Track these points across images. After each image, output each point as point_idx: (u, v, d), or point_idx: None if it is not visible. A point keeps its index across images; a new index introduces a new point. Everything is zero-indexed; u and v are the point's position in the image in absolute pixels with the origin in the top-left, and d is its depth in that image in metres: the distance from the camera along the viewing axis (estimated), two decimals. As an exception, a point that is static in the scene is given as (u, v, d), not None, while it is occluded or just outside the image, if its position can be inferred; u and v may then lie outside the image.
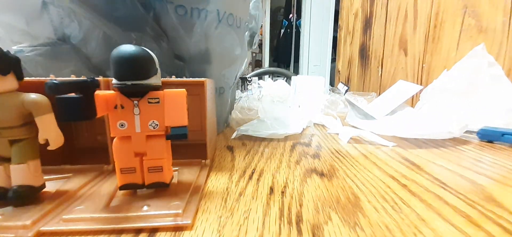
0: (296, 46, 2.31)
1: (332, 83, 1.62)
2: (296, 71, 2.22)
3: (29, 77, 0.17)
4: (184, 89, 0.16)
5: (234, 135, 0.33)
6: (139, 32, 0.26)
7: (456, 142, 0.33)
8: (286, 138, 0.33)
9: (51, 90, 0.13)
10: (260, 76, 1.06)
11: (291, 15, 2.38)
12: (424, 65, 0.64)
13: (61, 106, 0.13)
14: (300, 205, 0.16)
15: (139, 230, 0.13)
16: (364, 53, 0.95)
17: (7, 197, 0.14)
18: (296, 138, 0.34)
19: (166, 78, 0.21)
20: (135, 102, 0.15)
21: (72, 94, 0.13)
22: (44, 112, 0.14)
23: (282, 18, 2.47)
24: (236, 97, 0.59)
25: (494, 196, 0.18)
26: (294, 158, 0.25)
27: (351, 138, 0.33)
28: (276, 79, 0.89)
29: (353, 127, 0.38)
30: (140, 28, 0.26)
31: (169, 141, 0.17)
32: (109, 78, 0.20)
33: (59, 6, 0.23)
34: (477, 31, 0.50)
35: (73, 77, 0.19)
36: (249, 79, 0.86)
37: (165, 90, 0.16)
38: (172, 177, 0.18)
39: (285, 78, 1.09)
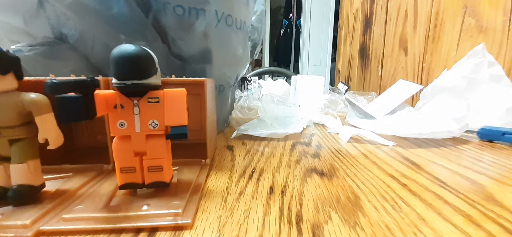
0: (296, 45, 2.31)
1: (332, 82, 1.62)
2: (296, 71, 2.22)
3: (28, 76, 0.17)
4: (184, 89, 0.16)
5: (234, 135, 0.33)
6: (136, 33, 0.26)
7: (456, 141, 0.33)
8: (286, 138, 0.33)
9: (50, 90, 0.13)
10: (260, 75, 1.06)
11: (291, 15, 2.37)
12: (424, 64, 0.64)
13: (60, 106, 0.13)
14: (300, 205, 0.16)
15: (139, 230, 0.13)
16: (364, 52, 0.95)
17: (7, 197, 0.14)
18: (296, 138, 0.34)
19: (166, 78, 0.21)
20: (135, 101, 0.15)
21: (72, 94, 0.13)
22: (44, 112, 0.14)
23: (282, 17, 2.47)
24: (236, 97, 0.59)
25: (494, 195, 0.18)
26: (294, 158, 0.25)
27: (351, 137, 0.33)
28: (276, 79, 0.89)
29: (353, 126, 0.38)
30: (136, 28, 0.26)
31: (169, 140, 0.17)
32: (109, 77, 0.20)
33: (54, 4, 0.23)
34: (477, 31, 0.50)
35: (72, 77, 0.19)
36: (249, 78, 0.86)
37: (165, 89, 0.16)
38: (172, 177, 0.18)
39: (285, 77, 1.09)
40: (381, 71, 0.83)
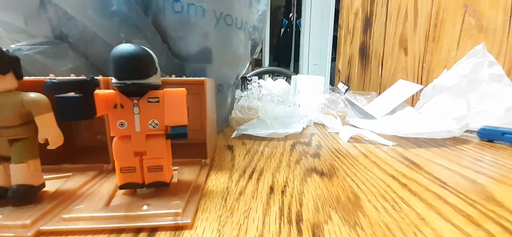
0: (296, 45, 2.31)
1: (332, 82, 1.62)
2: (296, 71, 2.22)
3: (28, 76, 0.17)
4: (184, 89, 0.16)
5: (234, 134, 0.33)
6: (136, 32, 0.26)
7: (456, 141, 0.33)
8: (286, 137, 0.33)
9: (50, 89, 0.13)
10: (260, 75, 1.06)
11: (291, 14, 2.37)
12: (424, 64, 0.64)
13: (60, 106, 0.13)
14: (300, 205, 0.16)
15: (139, 230, 0.13)
16: (364, 52, 0.95)
17: (7, 196, 0.14)
18: (296, 137, 0.34)
19: (166, 78, 0.21)
20: (135, 101, 0.15)
21: (72, 94, 0.13)
22: (44, 111, 0.14)
23: (282, 17, 2.47)
24: (236, 97, 0.59)
25: (494, 195, 0.18)
26: (294, 157, 0.25)
27: (351, 137, 0.33)
28: (276, 79, 0.89)
29: (353, 126, 0.38)
30: (136, 27, 0.26)
31: (169, 140, 0.17)
32: (109, 77, 0.20)
33: (56, 4, 0.23)
34: (477, 30, 0.50)
35: (72, 77, 0.19)
36: (249, 78, 0.86)
37: (165, 89, 0.16)
38: (172, 176, 0.18)
39: (285, 77, 1.08)
40: (381, 71, 0.83)
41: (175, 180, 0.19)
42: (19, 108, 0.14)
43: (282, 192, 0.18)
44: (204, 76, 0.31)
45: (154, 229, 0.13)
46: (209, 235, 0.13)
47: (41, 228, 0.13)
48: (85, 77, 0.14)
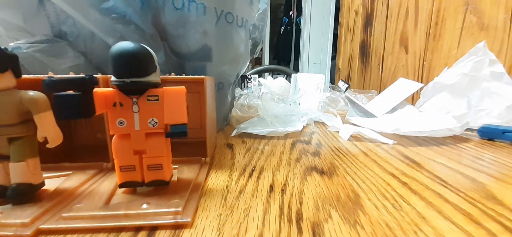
0: (296, 43, 2.30)
1: (332, 81, 1.61)
2: (296, 69, 2.22)
3: (27, 74, 0.17)
4: (183, 87, 0.16)
5: (234, 133, 0.33)
6: (132, 26, 0.26)
7: (457, 139, 0.33)
8: (286, 136, 0.33)
9: (49, 87, 0.12)
10: (260, 73, 1.06)
11: (291, 12, 2.36)
12: (424, 62, 0.64)
13: (59, 104, 0.13)
14: (300, 203, 0.16)
15: (139, 228, 0.13)
16: (364, 50, 0.95)
17: (6, 195, 0.14)
18: (296, 136, 0.34)
19: (166, 76, 0.21)
20: (134, 100, 0.15)
21: (70, 92, 0.13)
22: (43, 110, 0.14)
23: (282, 15, 2.46)
24: (236, 95, 0.59)
25: (494, 194, 0.18)
26: (294, 156, 0.25)
27: (351, 136, 0.33)
28: (276, 77, 0.89)
29: (353, 124, 0.38)
30: (135, 25, 0.25)
31: (169, 139, 0.17)
32: (108, 75, 0.19)
33: (54, 2, 0.23)
34: (478, 28, 0.50)
35: (71, 75, 0.19)
36: (249, 77, 0.86)
37: (164, 87, 0.15)
38: (172, 175, 0.18)
39: (285, 75, 1.08)
40: (382, 69, 0.83)
41: (175, 178, 0.19)
42: (17, 106, 0.14)
43: (282, 190, 0.18)
44: (204, 75, 0.31)
45: (154, 228, 0.13)
46: (209, 233, 0.13)
47: (41, 226, 0.13)
48: (84, 76, 0.14)
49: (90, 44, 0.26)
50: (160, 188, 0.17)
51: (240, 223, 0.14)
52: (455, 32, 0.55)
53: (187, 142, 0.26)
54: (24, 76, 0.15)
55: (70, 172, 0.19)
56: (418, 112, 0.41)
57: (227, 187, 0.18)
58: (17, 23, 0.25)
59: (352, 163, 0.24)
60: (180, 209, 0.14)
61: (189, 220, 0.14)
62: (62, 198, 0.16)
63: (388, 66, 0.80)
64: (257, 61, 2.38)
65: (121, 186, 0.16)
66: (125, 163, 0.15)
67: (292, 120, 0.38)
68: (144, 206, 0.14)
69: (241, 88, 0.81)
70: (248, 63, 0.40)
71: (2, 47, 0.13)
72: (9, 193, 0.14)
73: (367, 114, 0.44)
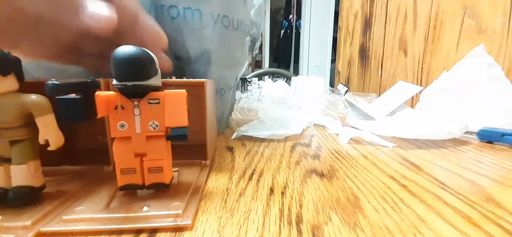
0: (296, 47, 2.31)
1: (332, 84, 1.62)
2: (296, 72, 2.23)
3: (30, 78, 0.18)
4: (184, 90, 0.16)
5: (234, 136, 0.33)
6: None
7: (456, 142, 0.33)
8: (286, 139, 0.33)
9: (51, 91, 0.13)
10: (260, 77, 1.07)
11: (291, 16, 2.38)
12: (423, 66, 0.64)
13: (61, 107, 0.13)
14: (300, 206, 0.16)
15: (139, 231, 0.13)
16: (364, 54, 0.95)
17: (7, 198, 0.14)
18: (296, 139, 0.34)
19: (167, 79, 0.21)
20: (136, 103, 0.15)
21: (72, 95, 0.13)
22: (45, 113, 0.14)
23: (282, 18, 2.47)
24: (236, 98, 0.59)
25: (494, 196, 0.18)
26: (294, 159, 0.25)
27: (351, 139, 0.33)
28: (276, 80, 0.89)
29: (353, 127, 0.38)
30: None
31: (169, 141, 0.17)
32: (109, 79, 0.20)
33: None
34: (476, 31, 0.50)
35: (73, 79, 0.19)
36: (249, 80, 0.86)
37: (165, 91, 0.16)
38: (173, 178, 0.18)
39: (285, 79, 1.09)
40: (381, 72, 0.83)
41: (175, 181, 0.19)
42: (20, 109, 0.14)
43: (282, 193, 0.18)
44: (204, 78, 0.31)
45: (154, 231, 0.13)
46: (209, 236, 0.13)
47: (42, 229, 0.13)
48: (86, 79, 0.14)
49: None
50: (160, 191, 0.17)
51: (240, 226, 0.14)
52: (454, 35, 0.55)
53: (187, 145, 0.26)
54: (27, 79, 0.15)
55: (71, 175, 0.19)
56: (417, 115, 0.41)
57: (227, 189, 0.18)
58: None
59: (352, 166, 0.24)
60: (180, 211, 0.14)
61: (189, 222, 0.14)
62: (63, 200, 0.16)
63: (387, 70, 0.80)
64: (257, 64, 2.39)
65: (121, 188, 0.16)
66: (125, 165, 0.15)
67: (292, 122, 0.38)
68: (145, 208, 0.14)
69: (241, 91, 0.81)
70: (247, 65, 0.40)
71: (5, 51, 0.14)
72: (10, 195, 0.14)
73: (367, 117, 0.44)
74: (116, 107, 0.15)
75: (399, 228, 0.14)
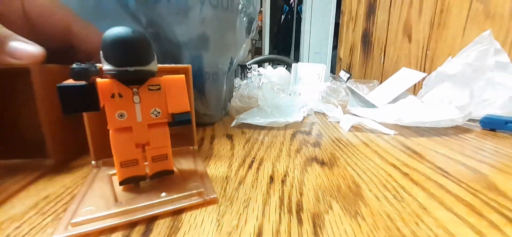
0: (297, 32, 2.27)
1: (333, 71, 1.60)
2: (296, 59, 2.19)
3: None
4: (182, 75, 0.15)
5: (233, 123, 0.33)
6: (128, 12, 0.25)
7: (458, 130, 0.32)
8: (286, 126, 0.33)
9: (78, 76, 0.12)
10: (260, 63, 1.05)
11: (292, 1, 2.31)
12: (428, 52, 0.62)
13: (67, 96, 0.12)
14: (301, 194, 0.16)
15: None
16: (367, 39, 0.93)
17: None
18: (297, 126, 0.33)
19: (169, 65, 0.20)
20: (135, 90, 0.14)
21: (72, 82, 0.12)
22: None
23: (283, 3, 2.40)
24: (235, 85, 0.58)
25: (497, 184, 0.17)
26: (294, 147, 0.25)
27: (352, 126, 0.32)
28: (276, 67, 0.88)
29: (354, 115, 0.38)
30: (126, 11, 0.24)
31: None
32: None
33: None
34: (484, 16, 0.49)
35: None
36: (249, 66, 0.85)
37: (163, 76, 0.15)
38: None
39: (285, 65, 1.07)
40: (384, 59, 0.82)
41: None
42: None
43: (282, 181, 0.18)
44: (201, 64, 0.30)
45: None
46: (208, 224, 0.13)
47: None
48: (91, 64, 0.13)
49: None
50: (165, 180, 0.16)
51: (240, 214, 0.14)
52: (460, 20, 0.53)
53: (173, 132, 0.25)
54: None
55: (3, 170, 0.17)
56: (420, 103, 0.40)
57: (226, 178, 0.18)
58: None
59: (353, 154, 0.23)
60: (202, 189, 0.15)
61: (215, 196, 0.15)
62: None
63: (390, 56, 0.78)
64: (257, 51, 2.35)
65: (122, 183, 0.15)
66: (126, 157, 0.14)
67: (292, 110, 0.38)
68: (163, 194, 0.15)
69: (241, 78, 0.80)
70: (245, 49, 0.39)
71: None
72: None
73: (368, 104, 0.43)
74: (113, 96, 0.14)
75: (400, 216, 0.14)
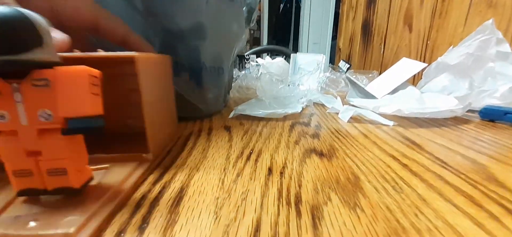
0: (295, 22, 2.23)
1: (332, 61, 1.58)
2: (295, 50, 2.17)
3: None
4: (84, 66, 0.12)
5: (231, 115, 0.32)
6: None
7: (458, 121, 0.32)
8: (285, 118, 0.33)
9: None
10: (258, 54, 1.03)
11: (291, -11, 2.26)
12: (428, 42, 0.62)
13: None
14: (299, 186, 0.16)
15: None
16: (367, 29, 0.92)
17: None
18: (295, 118, 0.33)
19: (75, 54, 0.16)
20: (14, 85, 0.11)
21: None
22: None
23: (282, -8, 2.35)
24: (234, 76, 0.57)
25: (496, 175, 0.17)
26: (293, 138, 0.25)
27: (351, 117, 0.32)
28: (275, 57, 0.87)
29: (353, 105, 0.37)
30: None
31: (79, 134, 0.13)
32: None
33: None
34: (486, 5, 0.48)
35: None
36: (247, 57, 0.84)
37: (57, 68, 0.11)
38: (89, 179, 0.14)
39: (284, 56, 1.05)
40: (383, 49, 0.81)
41: (97, 181, 0.15)
42: None
43: (281, 173, 0.18)
44: (198, 55, 0.30)
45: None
46: (206, 217, 0.13)
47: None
48: None
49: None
50: (69, 198, 0.13)
51: (238, 207, 0.14)
52: (463, 9, 0.52)
53: (127, 134, 0.21)
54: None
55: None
56: (419, 93, 0.40)
57: (224, 169, 0.18)
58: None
59: (352, 145, 0.23)
60: (71, 230, 0.11)
61: None
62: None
63: (390, 46, 0.78)
64: (255, 41, 2.31)
65: (19, 194, 0.12)
66: (17, 166, 0.12)
67: (291, 101, 0.37)
68: (32, 224, 0.11)
69: (239, 69, 0.79)
70: (244, 38, 0.38)
71: None
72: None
73: (368, 95, 0.43)
74: None
75: (400, 207, 0.14)
